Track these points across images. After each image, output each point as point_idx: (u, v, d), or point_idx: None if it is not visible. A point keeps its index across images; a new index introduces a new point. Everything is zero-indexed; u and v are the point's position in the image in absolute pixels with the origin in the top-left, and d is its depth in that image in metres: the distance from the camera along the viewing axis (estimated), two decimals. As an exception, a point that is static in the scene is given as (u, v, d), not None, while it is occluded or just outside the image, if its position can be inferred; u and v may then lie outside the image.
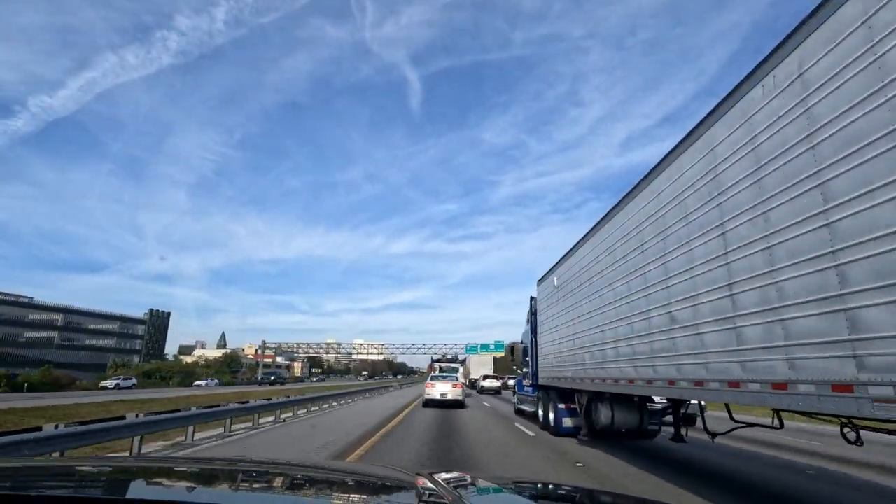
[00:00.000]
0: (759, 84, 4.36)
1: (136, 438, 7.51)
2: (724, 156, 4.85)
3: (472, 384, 40.41)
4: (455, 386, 19.54)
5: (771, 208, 4.10)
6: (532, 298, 14.26)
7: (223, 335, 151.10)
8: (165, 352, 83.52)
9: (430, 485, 1.26)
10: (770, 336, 4.05)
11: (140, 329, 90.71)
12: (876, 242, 3.10)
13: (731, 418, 5.96)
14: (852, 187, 3.30)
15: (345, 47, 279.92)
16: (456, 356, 41.80)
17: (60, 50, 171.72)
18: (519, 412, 16.41)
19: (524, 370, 15.29)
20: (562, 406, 10.71)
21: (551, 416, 11.34)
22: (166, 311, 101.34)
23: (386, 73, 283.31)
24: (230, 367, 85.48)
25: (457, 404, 19.15)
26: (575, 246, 10.13)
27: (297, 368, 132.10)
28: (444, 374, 22.45)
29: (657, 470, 7.15)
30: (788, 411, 4.11)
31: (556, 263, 11.65)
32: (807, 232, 3.69)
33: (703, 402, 6.78)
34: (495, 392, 35.38)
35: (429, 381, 20.68)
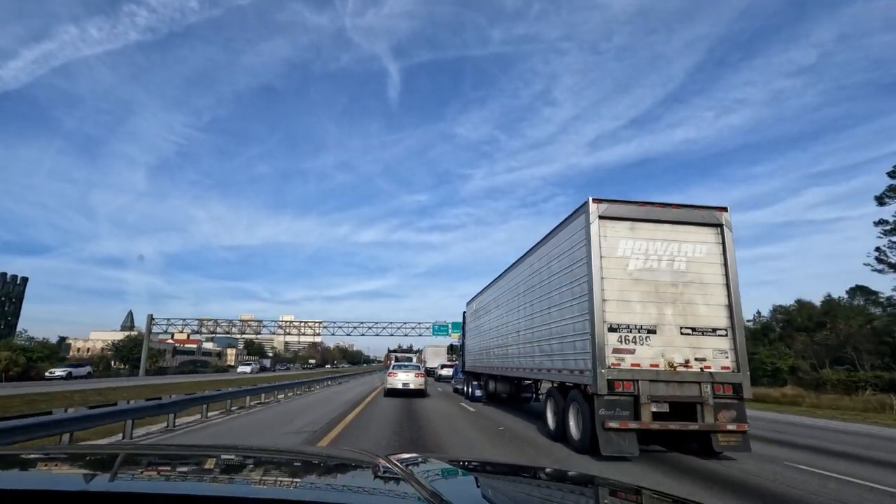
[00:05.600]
0: (535, 251, 10.95)
1: None
2: (526, 275, 11.52)
3: (429, 372, 45.29)
4: (417, 375, 19.95)
5: (533, 301, 10.78)
6: (464, 313, 22.09)
7: (130, 314, 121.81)
8: (31, 330, 63.94)
9: (389, 465, 1.43)
10: (534, 351, 10.79)
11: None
12: (560, 325, 9.41)
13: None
14: (556, 303, 9.63)
15: (324, 34, 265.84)
16: (411, 347, 44.18)
17: (14, 18, 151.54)
18: (456, 390, 24.27)
19: (458, 361, 24.52)
20: (475, 383, 18.59)
21: (468, 389, 19.21)
22: (21, 275, 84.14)
23: (365, 63, 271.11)
24: (131, 353, 66.79)
25: (419, 393, 19.60)
26: (485, 289, 17.69)
27: (232, 355, 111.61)
28: (406, 364, 23.05)
29: (520, 412, 14.32)
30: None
31: (476, 295, 19.40)
32: (542, 313, 10.18)
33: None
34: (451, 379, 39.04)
35: (391, 370, 20.99)
